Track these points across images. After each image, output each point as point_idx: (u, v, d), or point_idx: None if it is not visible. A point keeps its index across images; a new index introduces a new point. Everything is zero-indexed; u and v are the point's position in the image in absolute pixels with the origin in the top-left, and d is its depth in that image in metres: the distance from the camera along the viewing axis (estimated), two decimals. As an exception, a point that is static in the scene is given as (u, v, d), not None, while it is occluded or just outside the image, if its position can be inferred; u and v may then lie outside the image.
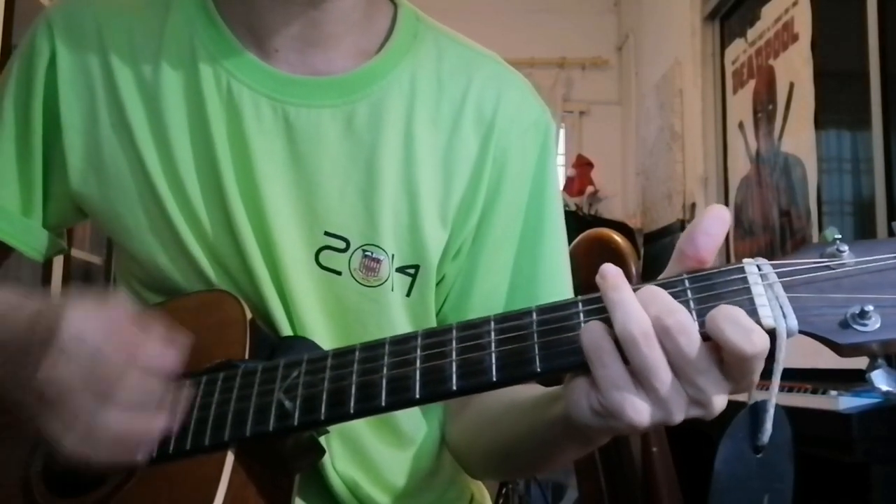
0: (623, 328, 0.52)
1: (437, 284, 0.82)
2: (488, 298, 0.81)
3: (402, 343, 0.60)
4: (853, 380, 1.68)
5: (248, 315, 0.70)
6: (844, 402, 1.59)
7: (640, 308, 0.52)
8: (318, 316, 0.78)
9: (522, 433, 0.70)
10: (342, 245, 0.77)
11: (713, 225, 0.55)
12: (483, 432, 0.78)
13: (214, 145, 0.76)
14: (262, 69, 0.78)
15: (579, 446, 0.65)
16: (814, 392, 1.69)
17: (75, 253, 2.83)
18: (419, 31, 0.84)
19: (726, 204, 3.38)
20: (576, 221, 3.63)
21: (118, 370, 0.60)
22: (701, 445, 1.41)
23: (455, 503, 0.89)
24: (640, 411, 0.52)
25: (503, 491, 2.91)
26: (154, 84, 0.78)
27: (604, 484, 1.11)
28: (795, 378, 1.81)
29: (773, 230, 2.93)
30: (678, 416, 0.53)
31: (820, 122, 2.60)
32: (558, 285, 0.82)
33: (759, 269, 0.53)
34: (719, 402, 0.53)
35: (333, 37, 0.79)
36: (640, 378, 0.52)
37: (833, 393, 1.64)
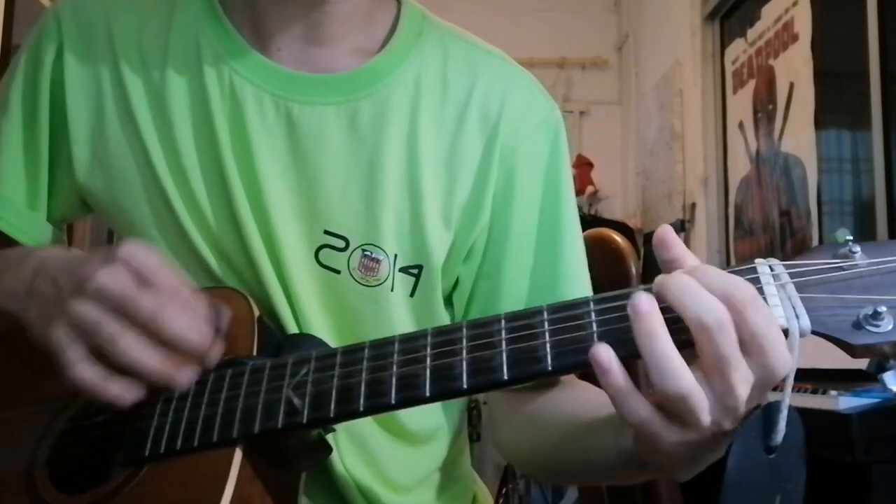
0: (696, 317, 0.50)
1: (454, 289, 0.82)
2: (516, 302, 0.79)
3: (411, 341, 0.60)
4: (853, 380, 1.68)
5: (256, 312, 0.70)
6: (844, 402, 1.59)
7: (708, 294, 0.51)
8: (319, 313, 0.78)
9: (589, 459, 0.68)
10: (341, 244, 0.77)
11: (664, 233, 0.58)
12: (536, 445, 0.76)
13: (218, 141, 0.76)
14: (265, 66, 0.78)
15: (649, 473, 0.63)
16: (814, 392, 1.69)
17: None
18: (424, 29, 0.83)
19: (726, 204, 3.39)
20: (575, 221, 3.62)
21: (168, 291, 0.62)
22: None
23: (459, 501, 0.89)
24: (704, 408, 0.51)
25: (503, 491, 2.92)
26: (160, 80, 0.78)
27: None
28: (795, 378, 1.81)
29: (773, 230, 2.93)
30: (741, 407, 0.51)
31: (820, 122, 2.60)
32: (580, 285, 0.81)
33: (772, 270, 0.53)
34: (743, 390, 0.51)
35: (335, 37, 0.79)
36: (711, 371, 0.51)
37: (833, 393, 1.63)
